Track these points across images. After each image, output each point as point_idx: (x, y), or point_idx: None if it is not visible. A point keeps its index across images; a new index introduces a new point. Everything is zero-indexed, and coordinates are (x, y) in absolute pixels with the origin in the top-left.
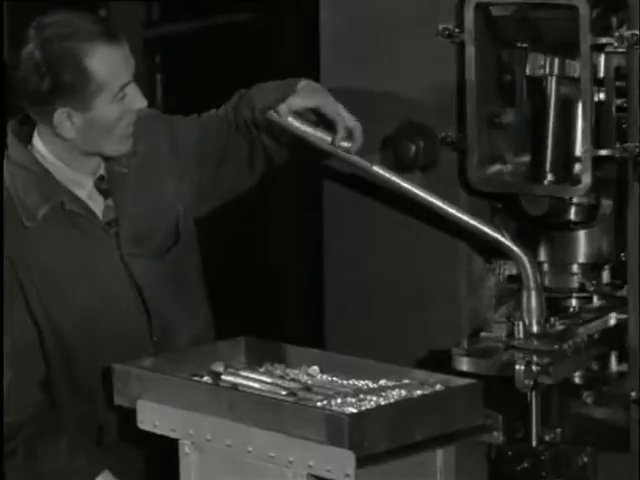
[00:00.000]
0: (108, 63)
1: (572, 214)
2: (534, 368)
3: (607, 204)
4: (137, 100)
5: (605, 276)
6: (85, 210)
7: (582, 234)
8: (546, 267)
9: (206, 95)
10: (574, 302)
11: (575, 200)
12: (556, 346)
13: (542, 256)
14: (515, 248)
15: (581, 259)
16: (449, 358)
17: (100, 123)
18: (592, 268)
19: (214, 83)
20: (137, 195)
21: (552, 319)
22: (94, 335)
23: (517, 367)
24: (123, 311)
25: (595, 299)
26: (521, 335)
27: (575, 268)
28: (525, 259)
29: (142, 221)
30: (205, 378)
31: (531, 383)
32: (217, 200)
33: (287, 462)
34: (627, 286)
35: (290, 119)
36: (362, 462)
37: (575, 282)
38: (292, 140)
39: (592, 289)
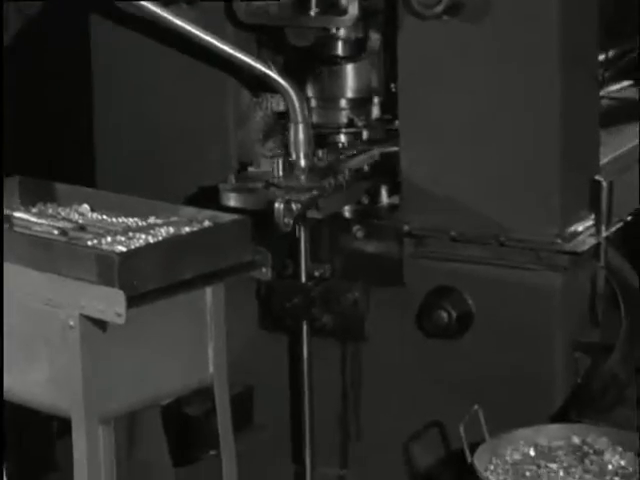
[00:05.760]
0: None
1: (339, 49)
2: (294, 207)
3: (375, 37)
4: None
5: (375, 111)
6: None
7: (350, 68)
8: (314, 103)
9: None
10: (343, 138)
11: (342, 34)
12: (324, 181)
13: (310, 91)
14: (282, 81)
15: (349, 94)
16: (217, 194)
17: None
18: (361, 103)
19: None
20: None
21: (320, 152)
22: None
23: (276, 206)
24: None
25: (365, 134)
26: (281, 173)
27: (343, 103)
28: (292, 92)
29: None
30: None
31: (291, 222)
32: None
33: (60, 303)
34: (399, 119)
35: None
36: (132, 301)
37: (344, 117)
38: None
39: (361, 124)
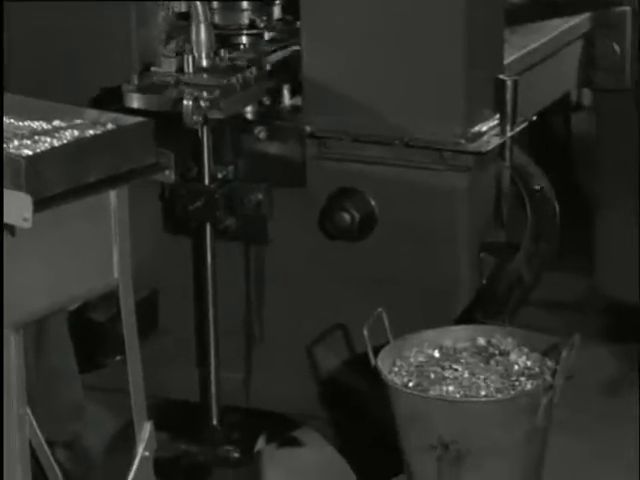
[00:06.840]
0: None
1: None
2: (202, 104)
3: None
4: None
5: (276, 12)
6: None
7: None
8: (216, 4)
9: None
10: (245, 39)
11: None
12: (226, 80)
13: None
14: None
15: None
16: (120, 95)
17: None
18: (262, 4)
19: None
20: None
21: (222, 52)
22: None
23: (185, 103)
24: None
25: (266, 35)
26: (190, 70)
27: (245, 4)
28: None
29: None
30: None
31: (200, 119)
32: None
33: None
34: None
35: None
36: (39, 205)
37: (245, 18)
38: None
39: (263, 25)
